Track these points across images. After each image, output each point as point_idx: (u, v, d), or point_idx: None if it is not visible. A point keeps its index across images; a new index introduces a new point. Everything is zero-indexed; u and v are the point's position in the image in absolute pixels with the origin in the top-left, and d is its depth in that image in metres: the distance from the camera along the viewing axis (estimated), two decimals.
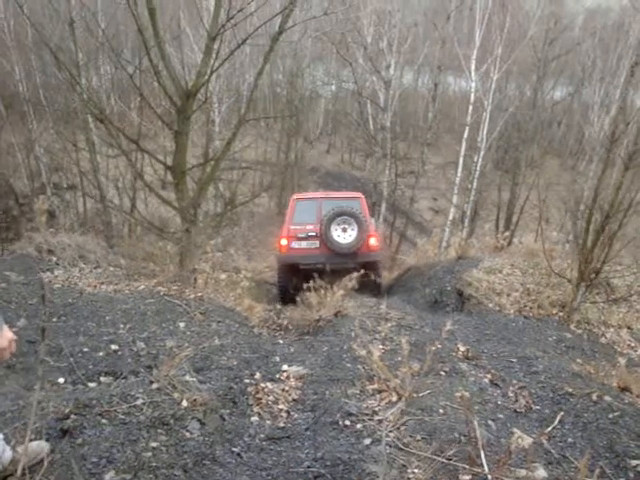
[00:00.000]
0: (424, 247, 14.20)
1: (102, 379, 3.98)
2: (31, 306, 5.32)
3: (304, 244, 8.46)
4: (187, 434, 3.22)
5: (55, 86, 16.75)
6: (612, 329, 7.03)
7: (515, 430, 2.57)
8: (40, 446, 2.71)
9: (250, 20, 11.49)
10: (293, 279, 7.86)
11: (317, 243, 8.42)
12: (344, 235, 8.24)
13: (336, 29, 18.65)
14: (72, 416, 3.00)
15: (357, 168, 31.93)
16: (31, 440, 2.62)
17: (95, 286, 6.25)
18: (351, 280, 6.92)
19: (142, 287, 6.28)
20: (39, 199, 8.72)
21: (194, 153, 12.06)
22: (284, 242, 8.49)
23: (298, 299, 7.05)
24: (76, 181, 15.85)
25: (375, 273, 7.76)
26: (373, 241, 8.56)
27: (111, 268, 7.15)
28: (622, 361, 4.91)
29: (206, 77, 5.56)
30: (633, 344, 6.86)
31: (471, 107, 17.72)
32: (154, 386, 3.56)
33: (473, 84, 17.59)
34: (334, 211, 8.24)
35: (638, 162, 6.50)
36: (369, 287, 7.70)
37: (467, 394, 2.99)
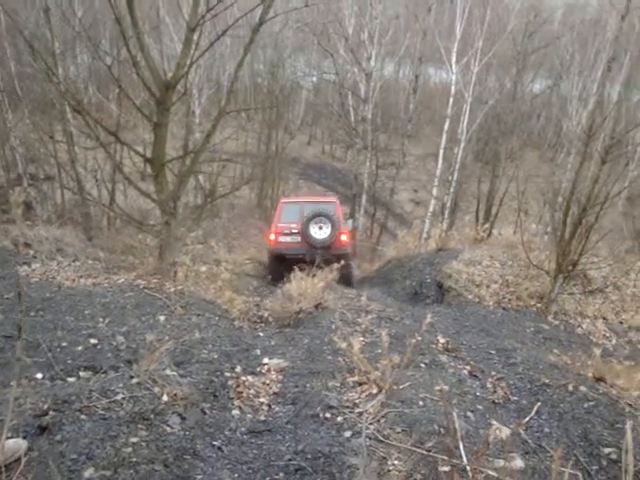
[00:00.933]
0: (404, 239, 14.29)
1: (81, 374, 3.93)
2: (7, 300, 5.23)
3: (289, 239, 10.25)
4: (168, 429, 3.22)
5: (31, 75, 16.39)
6: (588, 320, 7.16)
7: (493, 422, 2.61)
8: (17, 444, 2.68)
9: (231, 10, 11.37)
10: (280, 266, 9.22)
11: (299, 238, 10.12)
12: (320, 232, 10.04)
13: (317, 20, 18.56)
14: (50, 412, 2.97)
15: (338, 159, 31.90)
16: (8, 438, 2.59)
17: (73, 280, 6.14)
18: (332, 272, 7.14)
19: (121, 280, 6.21)
20: (15, 191, 8.56)
21: (174, 145, 11.94)
22: (273, 237, 10.40)
23: (279, 290, 7.28)
24: (53, 172, 15.58)
25: (346, 262, 8.62)
26: (344, 237, 10.30)
27: (90, 261, 7.05)
28: (597, 352, 5.01)
29: (185, 69, 5.50)
30: (608, 334, 7.00)
31: (452, 99, 17.81)
32: (134, 381, 3.54)
33: (454, 76, 17.67)
34: (312, 212, 10.03)
35: (614, 156, 6.60)
36: (343, 277, 8.56)
37: (446, 387, 3.02)
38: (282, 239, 10.27)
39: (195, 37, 5.85)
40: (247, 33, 6.40)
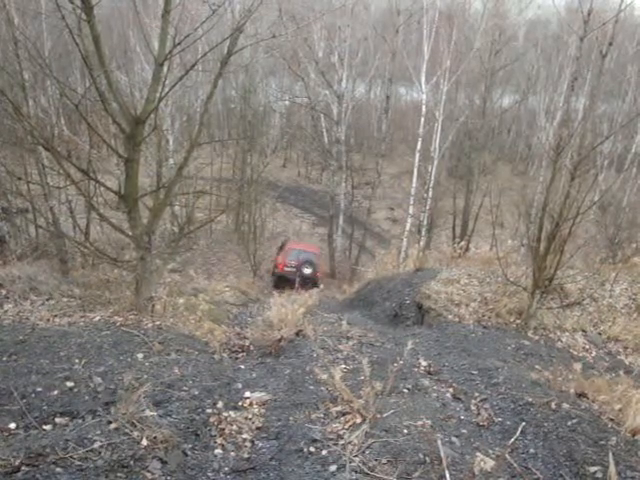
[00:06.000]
0: (383, 259, 14.38)
1: (57, 420, 3.79)
2: None
3: (289, 269, 17.21)
4: (148, 475, 3.13)
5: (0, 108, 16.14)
6: (567, 333, 7.24)
7: (478, 454, 2.59)
8: None
9: (200, 41, 11.40)
10: (282, 282, 15.72)
11: (295, 270, 16.97)
12: (307, 270, 17.07)
13: (287, 45, 18.75)
14: (23, 468, 2.85)
15: (314, 181, 32.01)
16: None
17: (48, 320, 5.98)
18: (311, 297, 7.20)
19: (98, 318, 6.07)
20: None
21: (149, 172, 11.83)
22: (282, 265, 17.48)
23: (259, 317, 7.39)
24: (27, 205, 15.29)
25: (317, 281, 15.87)
26: (318, 273, 17.49)
27: (65, 299, 6.88)
28: (577, 367, 5.05)
29: (155, 103, 5.46)
30: (587, 346, 7.07)
31: (423, 118, 18.04)
32: (112, 426, 3.44)
33: (424, 95, 17.93)
34: (304, 259, 17.19)
35: (583, 171, 6.73)
36: (315, 285, 13.66)
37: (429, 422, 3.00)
38: (286, 268, 17.29)
39: (165, 69, 5.82)
40: (217, 62, 6.37)
